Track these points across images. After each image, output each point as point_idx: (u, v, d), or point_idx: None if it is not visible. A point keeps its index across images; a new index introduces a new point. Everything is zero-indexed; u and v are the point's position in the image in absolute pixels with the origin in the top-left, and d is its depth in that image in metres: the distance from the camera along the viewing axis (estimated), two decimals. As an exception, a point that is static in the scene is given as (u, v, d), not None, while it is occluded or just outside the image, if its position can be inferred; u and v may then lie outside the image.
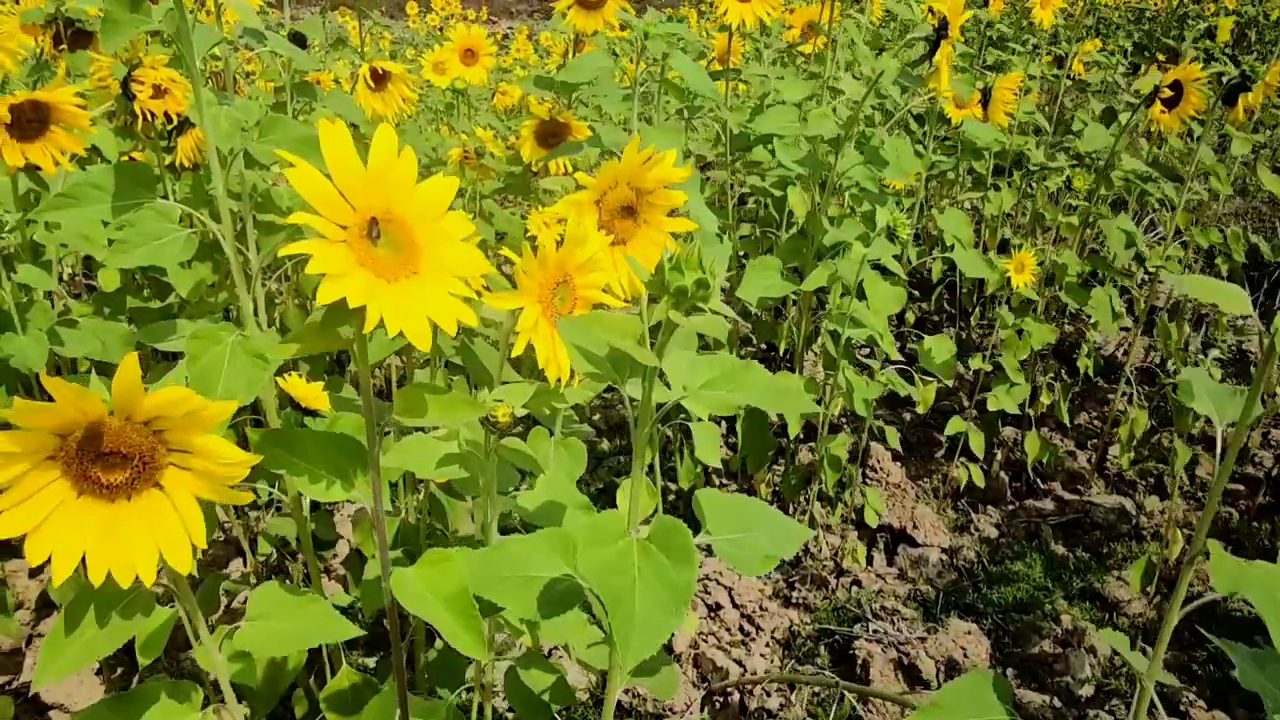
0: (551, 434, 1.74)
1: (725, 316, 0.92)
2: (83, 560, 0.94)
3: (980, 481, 2.95)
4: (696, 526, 1.09)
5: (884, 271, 2.84)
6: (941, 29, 2.28)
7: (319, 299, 0.79)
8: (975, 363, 2.83)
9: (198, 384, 1.44)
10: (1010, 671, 2.48)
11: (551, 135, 3.04)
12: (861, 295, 2.75)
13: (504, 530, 1.39)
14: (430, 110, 4.96)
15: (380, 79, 2.94)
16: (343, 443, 1.03)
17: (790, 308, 3.41)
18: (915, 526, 2.94)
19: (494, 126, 3.69)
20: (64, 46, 3.17)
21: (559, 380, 1.30)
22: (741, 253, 3.59)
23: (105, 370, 2.87)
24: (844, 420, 3.30)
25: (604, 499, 3.03)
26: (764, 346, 3.55)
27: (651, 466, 2.83)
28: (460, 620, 0.98)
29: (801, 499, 2.98)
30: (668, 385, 1.01)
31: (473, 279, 0.94)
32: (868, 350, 3.38)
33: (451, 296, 0.90)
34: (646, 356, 0.91)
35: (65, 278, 3.71)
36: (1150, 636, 2.57)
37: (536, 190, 3.16)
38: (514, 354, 1.23)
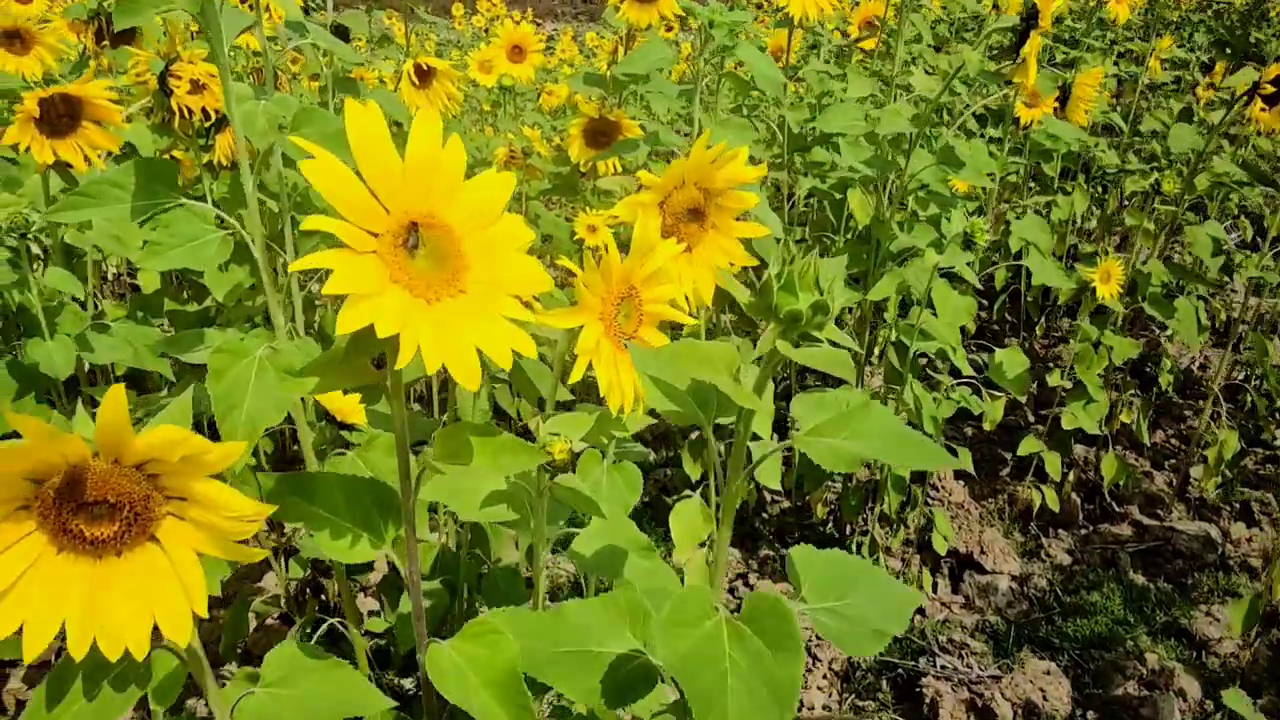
0: (603, 455, 1.54)
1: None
2: (63, 629, 0.77)
3: (1055, 505, 2.72)
4: (754, 545, 0.89)
5: (952, 280, 2.62)
6: (1030, 18, 2.06)
7: (339, 326, 0.60)
8: (1054, 379, 2.60)
9: (221, 404, 1.27)
10: (1092, 715, 2.25)
11: (601, 134, 2.86)
12: (928, 305, 2.53)
13: (560, 544, 1.20)
14: (475, 111, 4.80)
15: (425, 75, 2.77)
16: (373, 490, 0.85)
17: (848, 316, 3.19)
18: (983, 552, 2.71)
19: (540, 125, 3.51)
20: (106, 43, 3.04)
21: (621, 408, 1.12)
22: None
23: (139, 378, 2.74)
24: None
25: (652, 518, 2.84)
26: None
27: (705, 481, 2.64)
28: (510, 712, 0.80)
29: (861, 520, 2.77)
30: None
31: (531, 298, 0.75)
32: (924, 359, 3.15)
33: (505, 321, 0.71)
34: (746, 398, 0.71)
35: (110, 277, 3.61)
36: (1245, 679, 2.33)
37: (584, 192, 2.99)
38: (572, 380, 1.05)
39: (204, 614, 0.78)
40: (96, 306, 2.74)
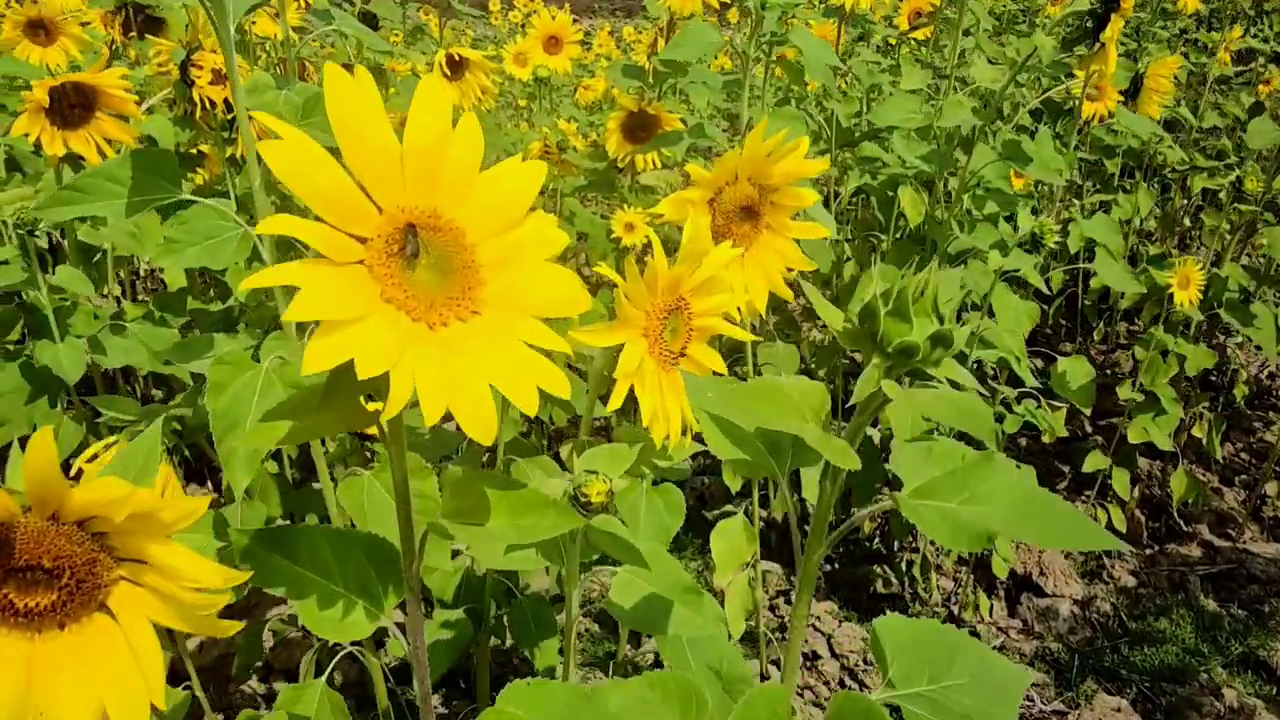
0: (641, 475, 1.37)
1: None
2: (-10, 720, 0.62)
3: (1122, 525, 2.50)
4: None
5: (1012, 284, 2.42)
6: (1111, 0, 1.85)
7: (305, 363, 0.44)
8: (1125, 391, 2.38)
9: (220, 422, 1.12)
10: (1167, 757, 2.04)
11: (640, 128, 2.69)
12: (987, 310, 2.33)
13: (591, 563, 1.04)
14: (510, 106, 4.65)
15: (457, 66, 2.61)
16: (371, 548, 0.69)
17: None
18: (1042, 573, 2.50)
19: (576, 120, 3.35)
20: (134, 34, 2.91)
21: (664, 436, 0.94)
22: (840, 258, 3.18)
23: (165, 380, 2.62)
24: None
25: (687, 528, 2.66)
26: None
27: (746, 494, 2.47)
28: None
29: (910, 537, 2.57)
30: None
31: (565, 318, 0.58)
32: (972, 363, 2.94)
33: (530, 350, 0.54)
34: (843, 455, 0.54)
35: (142, 273, 3.50)
36: (1334, 721, 2.10)
37: (622, 188, 2.82)
38: (609, 409, 0.88)
39: (163, 706, 0.62)
40: (119, 304, 2.62)
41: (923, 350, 0.52)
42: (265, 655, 1.98)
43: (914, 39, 3.10)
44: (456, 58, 2.57)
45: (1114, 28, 1.84)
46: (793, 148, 1.26)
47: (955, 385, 0.54)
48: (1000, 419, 2.24)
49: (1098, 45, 1.93)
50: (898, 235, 2.94)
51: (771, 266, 1.34)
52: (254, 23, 2.58)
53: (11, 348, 2.03)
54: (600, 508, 0.87)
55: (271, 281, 0.44)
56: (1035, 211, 2.95)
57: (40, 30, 2.44)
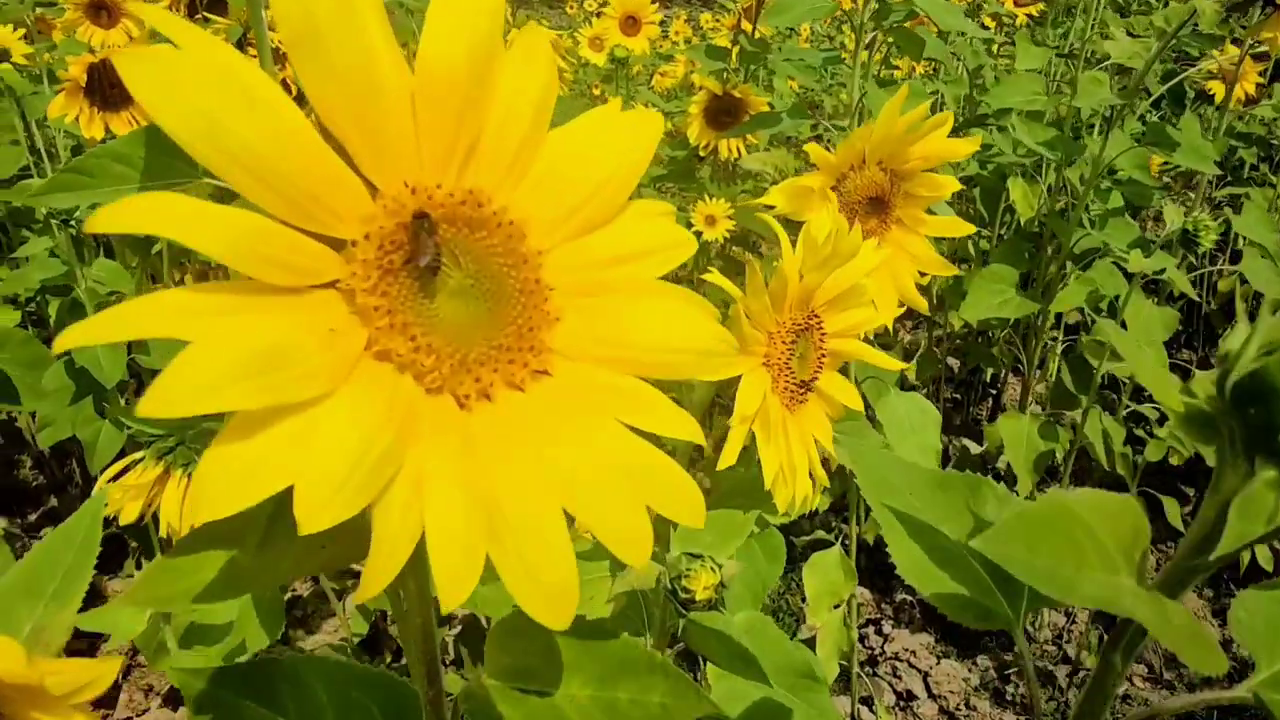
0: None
1: None
2: None
3: (1269, 563, 2.16)
4: (886, 585, 0.46)
5: (1145, 286, 2.09)
6: (1298, -46, 1.52)
7: (194, 500, 0.20)
8: None
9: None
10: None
11: (724, 113, 2.43)
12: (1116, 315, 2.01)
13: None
14: (585, 95, 4.43)
15: (530, 46, 2.38)
16: (379, 690, 0.45)
17: (999, 326, 2.67)
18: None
19: (654, 106, 3.10)
20: (200, 15, 2.75)
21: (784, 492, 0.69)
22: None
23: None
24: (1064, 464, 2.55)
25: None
26: (948, 368, 2.83)
27: (843, 509, 2.21)
28: None
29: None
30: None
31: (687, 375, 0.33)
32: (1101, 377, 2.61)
33: (632, 437, 0.30)
34: (1199, 649, 0.28)
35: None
36: None
37: (702, 178, 2.57)
38: (723, 464, 0.64)
39: None
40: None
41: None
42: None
43: (1030, 14, 2.76)
44: (504, 15, 2.34)
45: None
46: (937, 123, 0.99)
47: None
48: (1140, 444, 1.92)
49: (1272, 10, 1.60)
50: (1003, 230, 2.63)
51: (902, 270, 1.07)
52: None
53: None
54: (705, 605, 0.62)
55: (109, 335, 0.20)
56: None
57: (102, 11, 2.29)
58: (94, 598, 1.91)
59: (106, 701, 1.92)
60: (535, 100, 0.30)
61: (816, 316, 0.72)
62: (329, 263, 0.26)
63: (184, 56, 0.23)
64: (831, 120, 2.77)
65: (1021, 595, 0.40)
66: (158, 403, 0.20)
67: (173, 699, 1.86)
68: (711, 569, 0.60)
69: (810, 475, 0.70)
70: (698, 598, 0.60)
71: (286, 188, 0.25)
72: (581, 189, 0.31)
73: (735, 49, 2.39)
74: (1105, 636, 0.37)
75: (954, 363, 2.92)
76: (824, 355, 0.74)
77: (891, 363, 0.77)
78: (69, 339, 0.20)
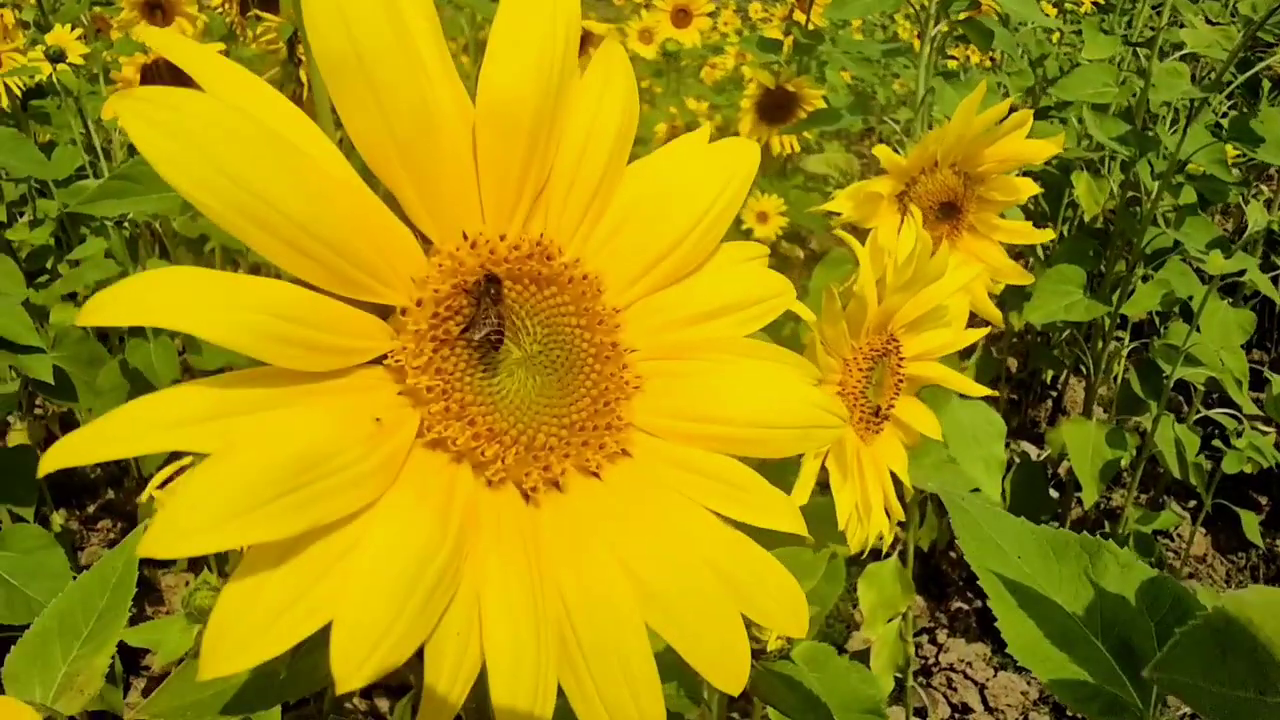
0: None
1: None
2: None
3: (1350, 580, 2.04)
4: (940, 592, 0.40)
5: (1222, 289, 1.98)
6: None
7: (204, 663, 0.16)
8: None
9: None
10: None
11: (778, 108, 2.36)
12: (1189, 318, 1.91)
13: None
14: (632, 87, 4.36)
15: (580, 44, 2.34)
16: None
17: (1062, 328, 2.56)
18: (1245, 630, 2.06)
19: (704, 99, 3.04)
20: (253, 12, 2.76)
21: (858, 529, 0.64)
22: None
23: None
24: (1131, 472, 2.44)
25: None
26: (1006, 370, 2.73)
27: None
28: None
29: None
30: None
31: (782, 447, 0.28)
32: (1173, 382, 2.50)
33: (724, 529, 0.25)
34: None
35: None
36: None
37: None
38: (795, 501, 0.59)
39: None
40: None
41: None
42: None
43: (1096, 2, 2.64)
44: (580, 33, 2.29)
45: None
46: (1016, 124, 0.93)
47: None
48: (1218, 455, 1.82)
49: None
50: (1066, 227, 2.52)
51: (975, 280, 1.00)
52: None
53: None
54: (777, 654, 0.57)
55: (101, 453, 0.16)
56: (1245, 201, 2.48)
57: (157, 10, 2.30)
58: (147, 591, 1.91)
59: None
60: (615, 132, 0.26)
61: (895, 340, 0.66)
62: (375, 336, 0.22)
63: (196, 102, 0.19)
64: (885, 113, 2.69)
65: (1153, 682, 0.35)
66: (162, 543, 0.16)
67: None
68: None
69: (886, 511, 0.64)
70: (769, 648, 0.55)
71: (327, 253, 0.20)
72: (666, 235, 0.27)
73: (788, 40, 2.32)
74: None
75: (1012, 362, 2.82)
76: (901, 380, 0.68)
77: (976, 388, 0.72)
78: (54, 460, 0.16)
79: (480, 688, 0.28)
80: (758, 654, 0.56)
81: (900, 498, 0.69)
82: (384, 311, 0.23)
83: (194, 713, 0.24)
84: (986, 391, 0.72)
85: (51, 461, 0.16)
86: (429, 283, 0.23)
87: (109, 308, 0.17)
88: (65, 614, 0.46)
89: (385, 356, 0.23)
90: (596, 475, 0.25)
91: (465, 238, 0.24)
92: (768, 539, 0.29)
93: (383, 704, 1.74)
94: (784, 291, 0.29)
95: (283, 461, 0.18)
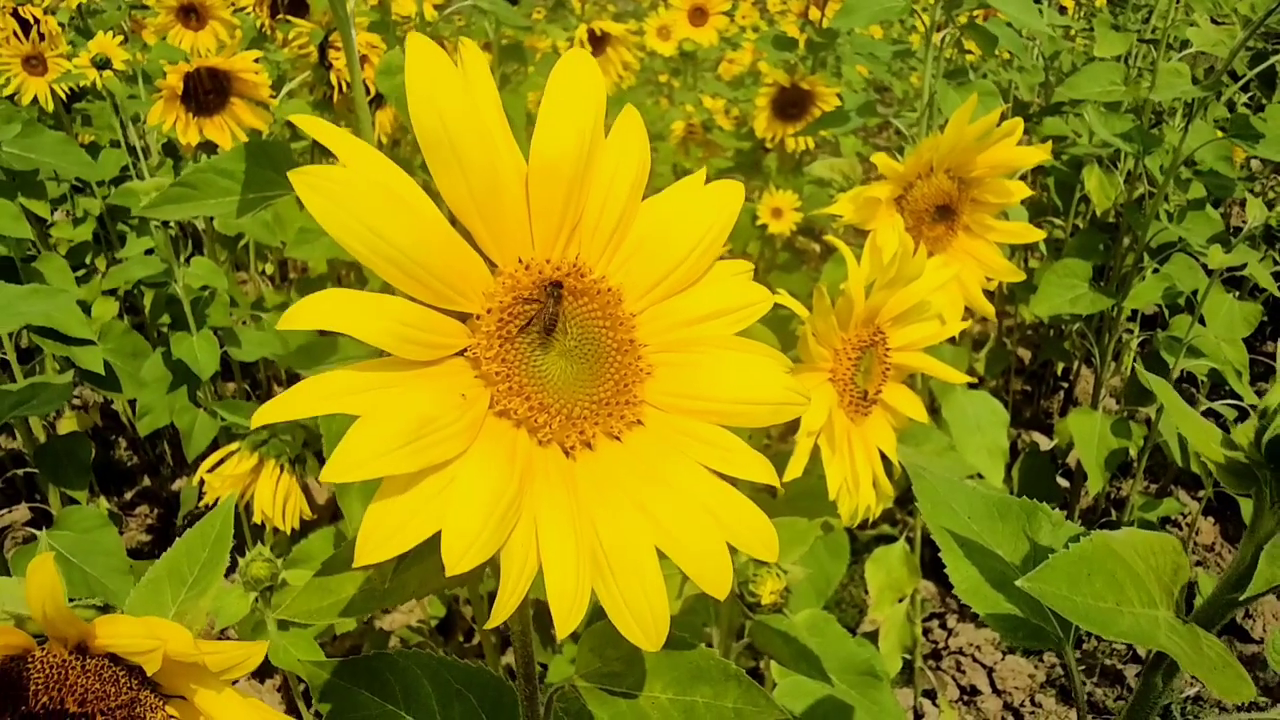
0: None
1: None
2: None
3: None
4: (949, 580, 0.49)
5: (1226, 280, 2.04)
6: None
7: (360, 555, 0.25)
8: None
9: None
10: None
11: (792, 105, 2.43)
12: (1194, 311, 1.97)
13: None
14: (651, 83, 4.44)
15: (598, 42, 2.42)
16: (480, 686, 0.50)
17: (1071, 320, 2.62)
18: (1248, 615, 2.13)
19: (720, 95, 3.11)
20: (282, 16, 2.85)
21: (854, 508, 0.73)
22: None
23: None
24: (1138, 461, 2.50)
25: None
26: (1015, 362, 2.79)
27: (908, 500, 2.21)
28: None
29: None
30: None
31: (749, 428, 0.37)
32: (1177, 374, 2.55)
33: (712, 479, 0.34)
34: (1230, 682, 0.31)
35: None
36: None
37: (768, 170, 2.57)
38: (789, 475, 0.67)
39: None
40: (271, 287, 2.59)
41: None
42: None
43: (1107, -2, 2.69)
44: (598, 33, 2.38)
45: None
46: (1006, 132, 1.01)
47: None
48: (1217, 445, 1.89)
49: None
50: (1078, 222, 2.58)
51: (969, 277, 1.09)
52: None
53: (165, 330, 2.00)
54: (771, 608, 0.66)
55: (294, 413, 0.25)
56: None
57: (191, 15, 2.40)
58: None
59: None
60: (631, 181, 0.34)
61: (881, 333, 0.75)
62: (458, 335, 0.31)
63: (344, 174, 0.28)
64: (900, 107, 2.76)
65: (1029, 593, 0.43)
66: (339, 470, 0.25)
67: (259, 672, 1.97)
68: (777, 574, 0.64)
69: (874, 485, 0.73)
70: (764, 602, 0.64)
71: (428, 276, 0.29)
72: (670, 257, 0.36)
73: (803, 38, 2.39)
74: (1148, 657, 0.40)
75: (1024, 354, 2.88)
76: (888, 369, 0.77)
77: (955, 375, 0.80)
78: (263, 416, 0.25)
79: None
80: (753, 607, 0.65)
81: (888, 465, 0.77)
82: (463, 317, 0.32)
83: (319, 614, 0.33)
84: (966, 379, 0.80)
85: (260, 418, 0.25)
86: (495, 295, 0.32)
87: (299, 317, 0.26)
88: (173, 564, 0.55)
89: (465, 350, 0.32)
90: (618, 439, 0.34)
91: (521, 261, 0.33)
92: (770, 510, 0.37)
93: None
94: (765, 300, 0.37)
95: (407, 421, 0.26)
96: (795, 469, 0.67)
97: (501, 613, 0.27)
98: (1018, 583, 0.32)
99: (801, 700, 0.78)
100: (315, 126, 0.30)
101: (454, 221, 0.32)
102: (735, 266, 0.38)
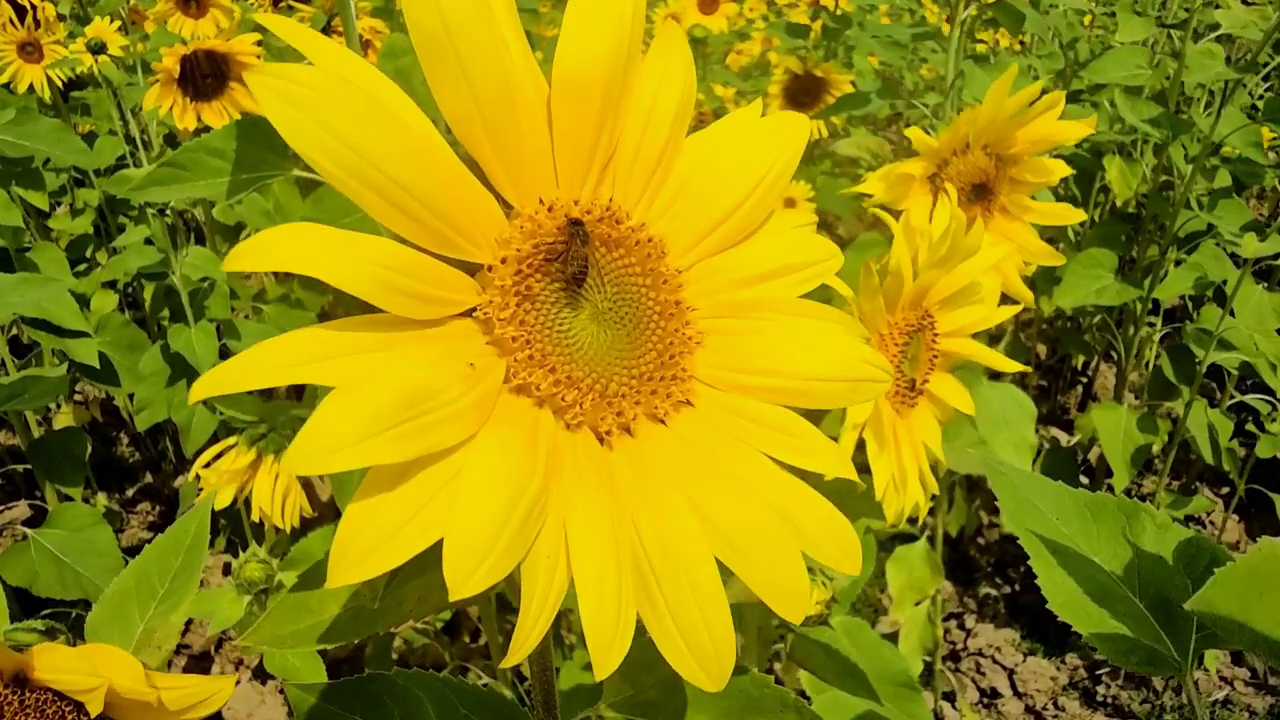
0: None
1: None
2: None
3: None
4: (969, 578, 0.42)
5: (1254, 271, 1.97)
6: None
7: (332, 574, 0.18)
8: None
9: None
10: None
11: (805, 93, 2.36)
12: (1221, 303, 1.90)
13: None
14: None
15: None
16: (487, 709, 0.43)
17: (1093, 312, 2.55)
18: (1278, 616, 2.05)
19: (730, 85, 3.04)
20: (285, 3, 2.79)
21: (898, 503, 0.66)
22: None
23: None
24: (1164, 458, 2.43)
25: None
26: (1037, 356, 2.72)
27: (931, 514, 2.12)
28: None
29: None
30: None
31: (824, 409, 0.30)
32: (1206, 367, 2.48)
33: (781, 473, 0.27)
34: None
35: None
36: None
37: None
38: (829, 475, 0.60)
39: None
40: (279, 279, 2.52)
41: None
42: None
43: (1129, -18, 2.60)
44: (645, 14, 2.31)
45: None
46: (1048, 105, 0.94)
47: None
48: (1253, 441, 1.82)
49: None
50: (1098, 211, 2.51)
51: (1006, 260, 1.02)
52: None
53: (165, 324, 1.94)
54: (816, 620, 0.59)
55: (244, 383, 0.19)
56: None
57: (192, 2, 2.33)
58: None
59: (198, 672, 1.98)
60: (675, 106, 0.28)
61: (930, 316, 0.68)
62: (465, 291, 0.24)
63: (315, 75, 0.21)
64: (913, 97, 2.68)
65: (1189, 635, 0.36)
66: (303, 458, 0.18)
67: (262, 673, 1.91)
68: (823, 583, 0.57)
69: (920, 482, 0.66)
70: (809, 613, 0.57)
71: (424, 212, 0.23)
72: (723, 203, 0.29)
73: (816, 25, 2.32)
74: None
75: (1041, 348, 2.81)
76: (936, 356, 0.70)
77: (1010, 364, 0.73)
78: (202, 390, 0.18)
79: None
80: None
81: (935, 475, 0.71)
82: (471, 269, 0.25)
83: (293, 641, 0.27)
84: (1020, 368, 0.74)
85: (200, 391, 0.18)
86: (511, 243, 0.25)
87: (248, 256, 0.19)
88: (142, 574, 0.49)
89: (473, 310, 0.25)
90: (663, 422, 0.27)
91: (542, 202, 0.26)
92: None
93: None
94: (832, 255, 0.31)
95: (395, 394, 0.20)
96: (838, 467, 0.60)
97: (523, 648, 0.21)
98: (1186, 605, 0.25)
99: (840, 715, 0.71)
100: (283, 26, 0.23)
101: (467, 162, 0.25)
102: (798, 217, 0.31)
